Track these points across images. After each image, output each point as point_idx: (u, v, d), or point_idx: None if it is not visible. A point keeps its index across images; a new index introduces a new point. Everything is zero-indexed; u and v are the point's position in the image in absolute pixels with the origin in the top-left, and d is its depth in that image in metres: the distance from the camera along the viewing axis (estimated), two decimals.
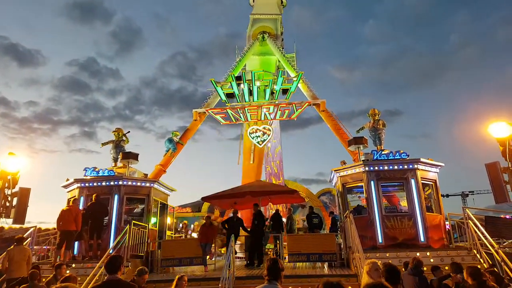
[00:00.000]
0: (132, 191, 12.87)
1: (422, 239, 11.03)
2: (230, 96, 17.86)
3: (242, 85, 17.77)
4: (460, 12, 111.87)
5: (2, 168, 10.94)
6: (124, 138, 15.19)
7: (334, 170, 13.07)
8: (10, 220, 10.99)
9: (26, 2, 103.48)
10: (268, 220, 14.17)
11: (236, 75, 18.74)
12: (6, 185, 10.91)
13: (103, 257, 9.43)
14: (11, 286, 8.36)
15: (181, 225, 19.74)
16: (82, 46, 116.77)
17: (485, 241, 9.53)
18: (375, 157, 12.27)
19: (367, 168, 11.95)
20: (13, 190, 11.09)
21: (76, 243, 11.67)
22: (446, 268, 7.90)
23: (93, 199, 11.96)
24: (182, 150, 18.69)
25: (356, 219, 10.55)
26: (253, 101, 17.79)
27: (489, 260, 9.20)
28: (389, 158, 12.17)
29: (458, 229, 11.92)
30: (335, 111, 19.50)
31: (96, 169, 13.09)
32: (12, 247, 9.26)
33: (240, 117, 17.40)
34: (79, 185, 12.70)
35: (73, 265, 10.45)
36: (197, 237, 12.69)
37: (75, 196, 12.43)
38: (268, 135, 18.87)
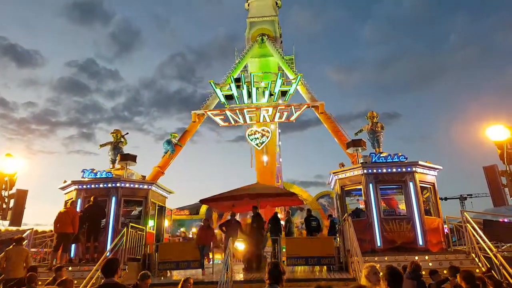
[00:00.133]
0: (130, 193, 12.81)
1: (420, 242, 10.99)
2: (229, 98, 17.84)
3: (241, 87, 17.77)
4: (460, 12, 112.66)
5: None
6: (122, 139, 15.12)
7: (333, 173, 13.06)
8: (6, 222, 10.90)
9: (25, 2, 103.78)
10: (267, 223, 14.11)
11: (235, 77, 18.75)
12: (3, 186, 10.81)
13: (100, 260, 9.38)
14: (9, 287, 8.29)
15: (178, 233, 19.63)
16: (81, 47, 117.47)
17: (483, 244, 9.49)
18: (373, 160, 12.24)
19: (365, 171, 11.92)
20: (10, 192, 10.99)
21: (73, 245, 11.59)
22: (445, 271, 7.87)
23: (91, 201, 11.89)
24: (180, 152, 18.67)
25: (355, 222, 10.50)
26: (252, 103, 17.80)
27: (488, 264, 9.17)
28: (388, 160, 12.13)
29: (457, 232, 11.90)
30: (333, 113, 19.43)
31: (94, 171, 13.02)
32: (11, 247, 9.17)
33: (239, 119, 17.38)
34: (76, 187, 12.63)
35: (70, 268, 10.36)
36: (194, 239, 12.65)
37: (72, 198, 12.38)
38: (267, 137, 18.91)
